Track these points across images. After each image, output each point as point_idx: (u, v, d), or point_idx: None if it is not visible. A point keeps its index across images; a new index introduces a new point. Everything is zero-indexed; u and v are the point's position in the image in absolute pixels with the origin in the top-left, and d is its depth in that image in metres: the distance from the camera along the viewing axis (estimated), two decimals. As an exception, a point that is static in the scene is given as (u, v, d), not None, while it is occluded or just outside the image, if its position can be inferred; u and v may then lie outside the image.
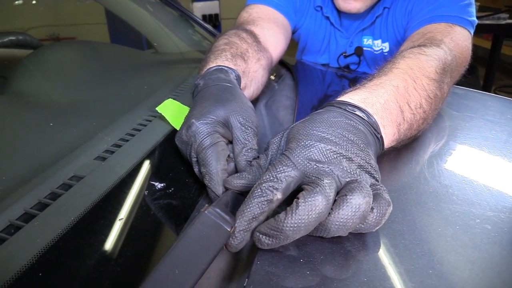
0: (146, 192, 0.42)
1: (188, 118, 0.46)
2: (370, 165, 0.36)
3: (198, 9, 4.23)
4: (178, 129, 0.50)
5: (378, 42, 1.00)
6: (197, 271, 0.30)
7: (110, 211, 0.39)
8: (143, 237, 0.38)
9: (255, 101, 0.75)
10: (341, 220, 0.32)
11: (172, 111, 0.56)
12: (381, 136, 0.42)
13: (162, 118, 0.56)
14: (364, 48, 1.02)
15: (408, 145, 0.53)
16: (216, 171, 0.41)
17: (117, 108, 0.58)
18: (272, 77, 0.94)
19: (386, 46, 0.99)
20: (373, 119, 0.42)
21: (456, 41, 0.72)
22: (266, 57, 0.75)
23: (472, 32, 0.81)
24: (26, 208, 0.37)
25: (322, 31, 1.06)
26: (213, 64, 0.58)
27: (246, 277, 0.32)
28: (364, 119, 0.41)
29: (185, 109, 0.57)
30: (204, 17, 4.23)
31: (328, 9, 1.01)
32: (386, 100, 0.45)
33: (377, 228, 0.35)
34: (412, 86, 0.49)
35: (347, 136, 0.37)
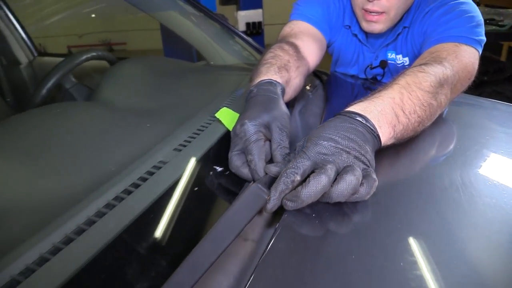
0: (211, 173, 0.61)
1: (242, 118, 0.64)
2: (364, 156, 0.53)
3: (243, 17, 4.43)
4: (228, 127, 0.69)
5: (400, 56, 1.15)
6: (243, 223, 0.48)
7: (190, 183, 0.58)
8: (209, 202, 0.56)
9: (292, 107, 0.92)
10: (339, 191, 0.49)
11: (227, 116, 0.75)
12: (378, 135, 0.59)
13: (219, 121, 0.75)
14: (389, 61, 1.17)
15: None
16: (259, 159, 0.59)
17: (186, 113, 0.78)
18: (308, 87, 1.11)
19: (406, 60, 1.14)
20: (371, 122, 0.58)
21: (460, 58, 0.85)
22: (304, 65, 0.93)
23: (479, 49, 0.93)
24: (120, 191, 0.57)
25: (352, 46, 1.22)
26: (265, 77, 0.76)
27: (276, 226, 0.50)
28: (363, 122, 0.58)
29: (236, 115, 0.76)
30: (248, 25, 4.44)
31: (355, 28, 1.17)
32: (383, 108, 0.61)
33: (367, 197, 0.51)
34: (407, 97, 0.65)
35: (348, 136, 0.54)
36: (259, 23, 4.45)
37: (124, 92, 0.98)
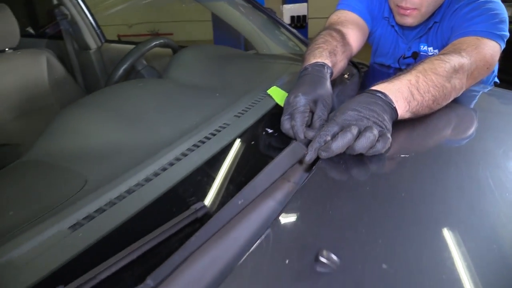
0: (264, 133, 0.79)
1: (296, 91, 0.80)
2: (382, 122, 0.70)
3: (288, 11, 4.58)
4: (279, 103, 0.87)
5: (431, 48, 1.28)
6: (286, 168, 0.66)
7: (247, 139, 0.76)
8: (261, 153, 0.74)
9: (334, 89, 1.08)
10: (360, 144, 0.66)
11: (276, 93, 0.93)
12: (394, 107, 0.75)
13: (269, 97, 0.93)
14: (421, 53, 1.31)
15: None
16: (300, 125, 0.76)
17: (242, 90, 0.96)
18: (346, 76, 1.27)
19: (436, 52, 1.27)
20: (389, 98, 0.75)
21: (479, 49, 0.98)
22: (348, 50, 1.11)
23: (501, 43, 1.05)
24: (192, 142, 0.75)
25: (389, 37, 1.37)
26: (318, 59, 0.92)
27: (312, 170, 0.67)
28: (382, 98, 0.74)
29: (283, 92, 0.93)
30: (293, 18, 4.58)
31: (393, 20, 1.31)
32: (400, 87, 0.78)
33: (383, 150, 0.68)
34: (422, 79, 0.81)
35: (369, 107, 0.71)
36: (304, 16, 4.59)
37: (189, 73, 1.17)
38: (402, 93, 0.77)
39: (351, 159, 0.69)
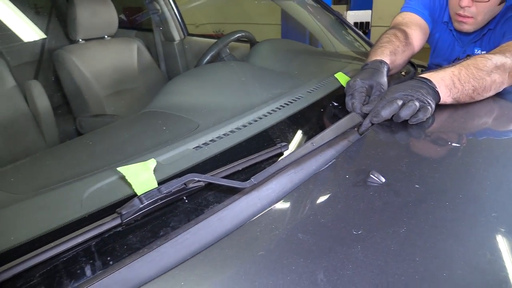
0: (330, 104, 1.00)
1: (356, 77, 1.00)
2: (423, 98, 0.88)
3: (351, 17, 4.72)
4: (343, 84, 1.07)
5: (484, 52, 1.42)
6: (345, 129, 0.86)
7: (316, 108, 0.97)
8: (326, 118, 0.95)
9: (390, 82, 1.26)
10: (404, 112, 0.85)
11: (341, 77, 1.13)
12: (437, 91, 0.93)
13: (336, 80, 1.13)
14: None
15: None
16: (359, 101, 0.95)
17: (313, 74, 1.17)
18: (403, 73, 1.44)
19: None
20: (432, 83, 0.93)
21: None
22: (410, 49, 1.28)
23: None
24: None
25: (447, 40, 1.52)
26: (378, 57, 1.11)
27: (364, 133, 0.87)
28: (427, 83, 0.93)
29: (347, 78, 1.13)
30: (356, 24, 4.72)
31: (452, 25, 1.46)
32: (443, 76, 0.95)
33: (424, 119, 0.86)
34: (464, 72, 0.98)
35: (415, 88, 0.89)
36: (367, 23, 4.72)
37: (267, 60, 1.40)
38: (445, 81, 0.95)
39: (397, 125, 0.88)
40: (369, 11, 4.72)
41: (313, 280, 0.47)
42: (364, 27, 4.78)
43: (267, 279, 0.47)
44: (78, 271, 0.51)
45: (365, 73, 1.03)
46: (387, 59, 1.11)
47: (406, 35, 1.28)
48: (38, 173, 0.73)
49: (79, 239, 0.53)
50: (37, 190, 0.64)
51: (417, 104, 0.85)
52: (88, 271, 0.51)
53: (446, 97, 0.96)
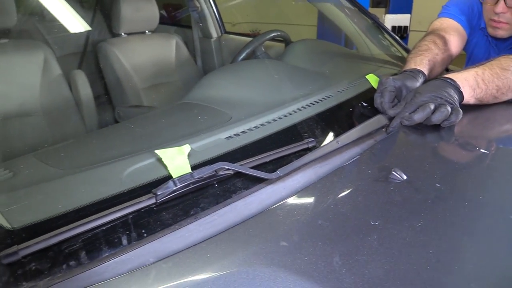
0: (359, 104, 1.02)
1: (389, 77, 1.01)
2: (452, 100, 0.90)
3: (390, 20, 4.65)
4: (374, 86, 1.09)
5: None
6: (372, 129, 0.88)
7: (346, 106, 1.00)
8: (355, 117, 0.97)
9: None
10: (436, 117, 0.87)
11: (373, 79, 1.15)
12: (461, 91, 0.94)
13: (367, 81, 1.15)
14: None
15: None
16: (388, 101, 0.97)
17: (345, 74, 1.19)
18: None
19: None
20: (457, 83, 0.94)
21: None
22: (448, 56, 1.28)
23: None
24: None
25: (483, 46, 1.50)
26: (417, 66, 1.10)
27: (392, 132, 0.89)
28: (451, 83, 0.94)
29: (377, 78, 1.15)
30: (394, 28, 4.66)
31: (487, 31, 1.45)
32: (467, 76, 0.97)
33: (457, 121, 0.88)
34: (488, 72, 0.99)
35: (441, 89, 0.91)
36: (405, 27, 4.65)
37: (301, 60, 1.43)
38: (468, 81, 0.97)
39: (428, 128, 0.90)
40: (408, 15, 4.65)
41: (329, 262, 0.50)
42: (402, 31, 4.71)
43: (286, 257, 0.51)
44: (116, 240, 0.56)
45: (400, 76, 1.04)
46: (425, 69, 1.11)
47: (444, 41, 1.27)
48: (83, 153, 0.80)
49: (118, 214, 0.58)
50: (82, 167, 0.70)
51: (449, 108, 0.87)
52: (124, 241, 0.57)
53: (469, 97, 0.97)
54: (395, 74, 1.11)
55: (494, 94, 1.00)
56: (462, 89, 0.95)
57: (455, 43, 1.34)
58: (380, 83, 1.02)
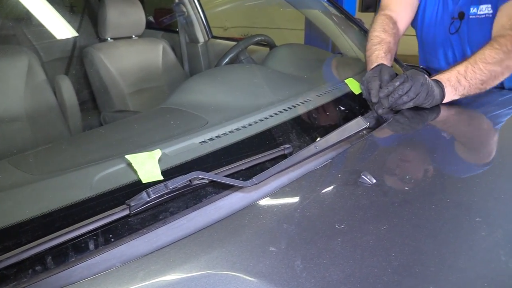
0: (336, 109, 1.03)
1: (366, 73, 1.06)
2: (430, 93, 0.94)
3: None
4: (354, 92, 1.10)
5: (483, 7, 1.26)
6: (348, 135, 0.90)
7: (325, 109, 1.00)
8: (339, 118, 0.98)
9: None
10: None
11: (352, 83, 1.16)
12: (444, 89, 1.00)
13: (346, 85, 1.16)
14: (470, 16, 1.29)
15: None
16: (375, 87, 0.99)
17: (326, 79, 1.20)
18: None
19: (489, 8, 1.24)
20: (441, 83, 1.00)
21: None
22: (399, 35, 1.31)
23: None
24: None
25: (435, 3, 1.39)
26: (375, 64, 1.14)
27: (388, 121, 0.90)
28: (438, 85, 0.99)
29: (357, 83, 1.16)
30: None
31: None
32: (449, 77, 1.02)
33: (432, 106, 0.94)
34: (470, 69, 1.03)
35: (425, 86, 0.95)
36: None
37: (283, 64, 1.44)
38: (450, 81, 1.02)
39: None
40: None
41: (291, 265, 0.51)
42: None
43: (248, 261, 0.51)
44: (83, 245, 0.56)
45: (371, 72, 1.09)
46: (385, 61, 1.15)
47: (394, 23, 1.30)
48: (56, 158, 0.80)
49: (91, 227, 0.58)
50: (53, 173, 0.70)
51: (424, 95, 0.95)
52: (92, 246, 0.57)
53: (452, 95, 1.03)
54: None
55: (479, 87, 1.05)
56: (445, 89, 1.01)
57: (404, 20, 1.36)
58: (361, 81, 1.07)
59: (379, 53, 1.19)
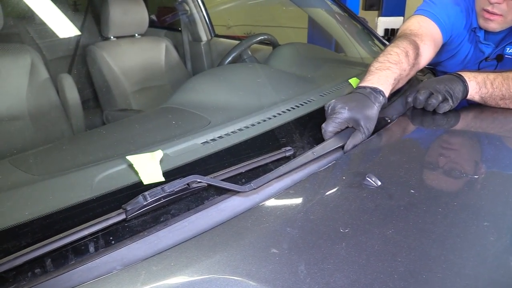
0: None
1: (345, 103, 0.86)
2: (452, 91, 0.96)
3: (382, 23, 4.65)
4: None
5: None
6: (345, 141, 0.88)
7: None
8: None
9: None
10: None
11: (355, 82, 1.15)
12: (467, 85, 1.00)
13: (350, 85, 1.15)
14: (505, 55, 1.32)
15: None
16: (330, 131, 0.87)
17: (329, 78, 1.19)
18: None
19: None
20: (463, 78, 1.00)
21: None
22: (416, 70, 1.14)
23: None
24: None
25: (469, 44, 1.38)
26: (381, 85, 0.93)
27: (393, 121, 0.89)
28: (460, 78, 1.00)
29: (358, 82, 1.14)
30: (387, 31, 4.66)
31: (476, 23, 1.32)
32: (476, 75, 1.02)
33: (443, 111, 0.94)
34: (500, 79, 1.03)
35: (447, 82, 0.96)
36: (398, 30, 4.65)
37: (286, 63, 1.43)
38: (477, 78, 1.02)
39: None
40: (401, 18, 4.65)
41: (294, 270, 0.50)
42: (395, 33, 4.70)
43: (250, 265, 0.50)
44: (83, 247, 0.55)
45: (353, 102, 0.88)
46: (387, 89, 0.95)
47: (417, 54, 1.12)
48: (56, 159, 0.79)
49: (86, 232, 0.57)
50: (54, 173, 0.69)
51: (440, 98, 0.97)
52: (92, 248, 0.56)
53: (474, 93, 1.02)
54: (357, 88, 0.96)
55: (497, 100, 1.04)
56: (468, 83, 1.00)
57: (427, 56, 1.20)
58: (332, 110, 0.88)
59: (387, 74, 0.99)
